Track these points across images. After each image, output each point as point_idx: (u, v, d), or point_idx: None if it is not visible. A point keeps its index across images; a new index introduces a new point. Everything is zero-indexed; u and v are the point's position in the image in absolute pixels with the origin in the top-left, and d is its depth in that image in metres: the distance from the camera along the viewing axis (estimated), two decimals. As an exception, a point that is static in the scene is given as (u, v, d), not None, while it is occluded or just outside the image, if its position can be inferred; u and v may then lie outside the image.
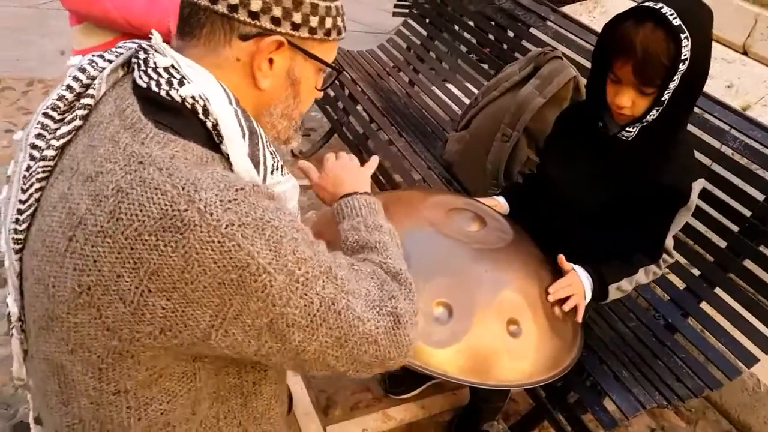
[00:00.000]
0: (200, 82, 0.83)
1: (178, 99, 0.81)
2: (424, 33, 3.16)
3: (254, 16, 0.82)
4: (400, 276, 0.98)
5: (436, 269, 1.27)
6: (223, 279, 0.74)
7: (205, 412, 0.95)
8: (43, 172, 0.85)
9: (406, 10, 3.34)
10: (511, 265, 1.36)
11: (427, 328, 1.20)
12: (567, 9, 2.98)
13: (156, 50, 0.85)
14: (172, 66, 0.83)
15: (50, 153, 0.85)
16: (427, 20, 3.17)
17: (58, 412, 0.92)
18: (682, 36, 1.22)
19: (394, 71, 3.13)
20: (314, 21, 0.88)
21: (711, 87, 2.63)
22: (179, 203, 0.73)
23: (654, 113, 1.33)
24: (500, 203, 1.66)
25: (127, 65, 0.90)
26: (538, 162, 1.80)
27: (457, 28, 3.01)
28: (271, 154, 0.92)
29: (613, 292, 1.45)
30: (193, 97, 0.81)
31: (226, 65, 0.86)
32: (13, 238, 0.89)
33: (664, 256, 1.48)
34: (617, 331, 1.78)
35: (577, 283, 1.38)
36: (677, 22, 1.22)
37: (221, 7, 0.81)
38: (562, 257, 1.40)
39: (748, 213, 1.77)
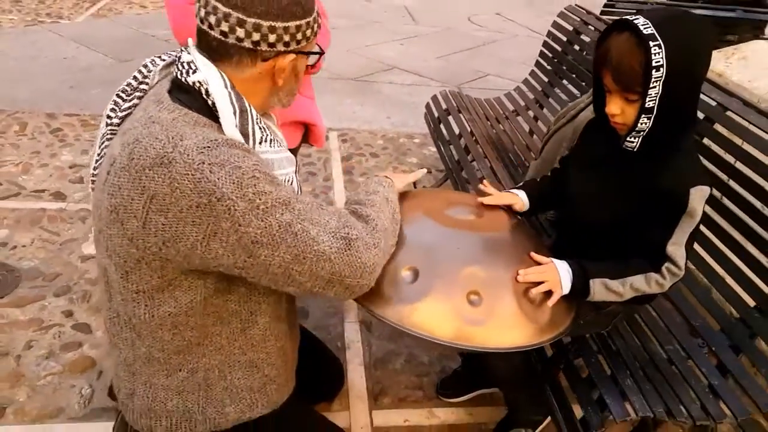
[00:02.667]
0: (205, 72, 1.13)
1: (191, 82, 1.13)
2: (546, 80, 3.33)
3: (272, 45, 1.14)
4: (368, 218, 1.23)
5: (413, 242, 1.47)
6: (198, 202, 1.01)
7: (210, 329, 1.24)
8: (111, 134, 1.25)
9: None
10: (491, 248, 1.50)
11: (396, 286, 1.40)
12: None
13: (186, 51, 1.19)
14: (192, 62, 1.15)
15: (116, 121, 1.24)
16: (550, 68, 3.34)
17: (104, 307, 1.27)
18: (653, 44, 1.30)
19: (513, 115, 3.32)
20: (309, 33, 1.18)
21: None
22: (168, 147, 1.03)
23: (646, 121, 1.39)
24: (518, 197, 1.73)
25: (173, 64, 1.27)
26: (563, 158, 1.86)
27: (575, 76, 3.13)
28: (261, 129, 1.19)
29: (600, 290, 1.47)
30: (199, 81, 1.12)
31: (250, 78, 1.17)
32: (91, 181, 1.30)
33: (669, 265, 1.45)
34: (649, 351, 1.74)
35: (552, 271, 1.45)
36: (649, 30, 1.31)
37: (247, 44, 1.11)
38: (533, 254, 1.48)
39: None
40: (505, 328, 1.39)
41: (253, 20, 1.09)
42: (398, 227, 1.36)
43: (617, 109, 1.42)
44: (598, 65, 1.44)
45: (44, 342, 2.19)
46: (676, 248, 1.45)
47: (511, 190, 1.74)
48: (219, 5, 1.09)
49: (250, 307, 1.26)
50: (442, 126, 3.20)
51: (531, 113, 3.29)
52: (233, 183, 1.02)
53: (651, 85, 1.33)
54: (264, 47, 1.13)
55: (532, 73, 3.47)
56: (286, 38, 1.13)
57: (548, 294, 1.44)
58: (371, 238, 1.19)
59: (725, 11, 4.53)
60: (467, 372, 2.18)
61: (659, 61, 1.31)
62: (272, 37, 1.12)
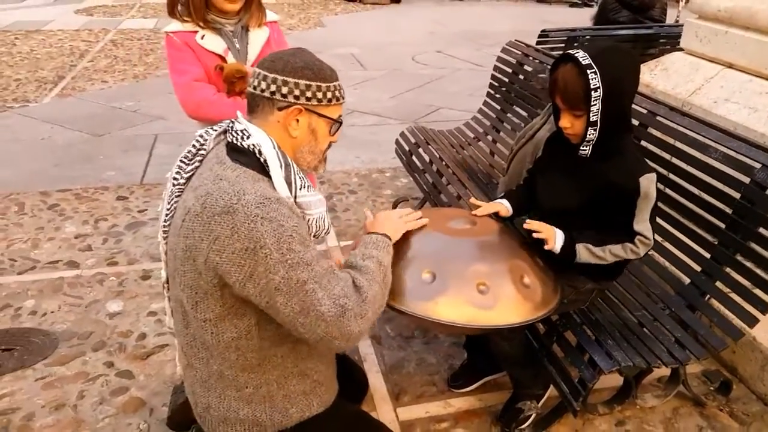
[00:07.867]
0: (257, 137, 1.45)
1: (246, 146, 1.45)
2: (498, 108, 3.78)
3: (284, 96, 1.46)
4: (361, 289, 1.44)
5: (428, 251, 1.81)
6: (246, 246, 1.27)
7: (267, 351, 1.49)
8: (179, 191, 1.53)
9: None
10: (488, 248, 1.86)
11: (419, 287, 1.72)
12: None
13: (238, 122, 1.51)
14: (244, 129, 1.48)
15: (182, 181, 1.52)
16: (500, 97, 3.79)
17: (181, 334, 1.54)
18: (590, 71, 1.70)
19: (475, 141, 3.75)
20: (320, 95, 1.49)
21: (754, 119, 2.87)
22: (233, 199, 1.32)
23: (593, 132, 1.78)
24: (503, 205, 2.10)
25: (225, 132, 1.55)
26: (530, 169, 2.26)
27: (523, 102, 3.57)
28: (300, 178, 1.49)
29: (583, 252, 1.85)
30: (253, 144, 1.44)
31: (272, 125, 1.49)
32: (162, 231, 1.58)
33: (640, 237, 1.83)
34: (622, 318, 2.11)
35: (549, 228, 1.86)
36: (586, 61, 1.71)
37: (267, 94, 1.46)
38: (530, 222, 1.87)
39: (729, 210, 2.06)
40: (510, 308, 1.73)
41: (272, 75, 1.45)
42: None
43: (568, 123, 1.83)
44: (551, 91, 1.84)
45: (94, 390, 2.41)
46: (642, 225, 1.84)
47: (495, 201, 2.12)
48: (257, 69, 1.48)
49: None
50: (414, 157, 3.59)
51: (490, 138, 3.71)
52: (275, 237, 1.28)
53: (592, 103, 1.72)
54: (278, 96, 1.45)
55: (485, 103, 3.92)
56: (296, 92, 1.45)
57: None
58: (360, 309, 1.40)
59: (645, 29, 5.16)
60: (473, 363, 2.51)
61: (596, 84, 1.70)
62: (285, 89, 1.45)
